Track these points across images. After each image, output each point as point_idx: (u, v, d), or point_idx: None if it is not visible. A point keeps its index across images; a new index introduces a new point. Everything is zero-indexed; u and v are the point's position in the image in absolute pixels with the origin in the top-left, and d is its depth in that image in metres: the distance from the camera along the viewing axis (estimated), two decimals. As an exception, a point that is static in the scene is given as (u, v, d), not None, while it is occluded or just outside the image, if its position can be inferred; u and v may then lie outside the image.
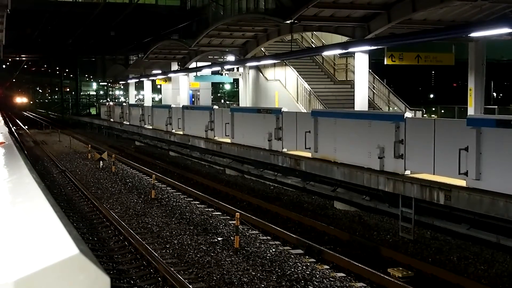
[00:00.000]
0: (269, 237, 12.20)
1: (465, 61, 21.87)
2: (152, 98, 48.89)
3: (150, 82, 43.04)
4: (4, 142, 7.03)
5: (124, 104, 44.60)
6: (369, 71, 20.30)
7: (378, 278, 9.20)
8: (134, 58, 52.09)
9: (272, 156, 17.50)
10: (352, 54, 22.63)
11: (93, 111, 66.71)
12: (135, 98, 53.47)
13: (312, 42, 29.47)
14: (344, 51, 19.85)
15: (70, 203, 16.55)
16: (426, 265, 9.91)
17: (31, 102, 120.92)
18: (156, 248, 11.29)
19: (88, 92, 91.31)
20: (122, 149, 31.45)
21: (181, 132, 26.24)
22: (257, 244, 11.55)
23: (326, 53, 26.93)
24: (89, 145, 29.34)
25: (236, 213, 11.56)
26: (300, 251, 11.11)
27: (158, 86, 47.00)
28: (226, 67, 30.52)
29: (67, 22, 41.76)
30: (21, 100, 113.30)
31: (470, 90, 21.50)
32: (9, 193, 2.83)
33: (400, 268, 9.73)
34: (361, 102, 18.97)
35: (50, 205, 2.08)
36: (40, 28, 43.01)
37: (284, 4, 21.29)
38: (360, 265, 9.68)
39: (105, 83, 68.41)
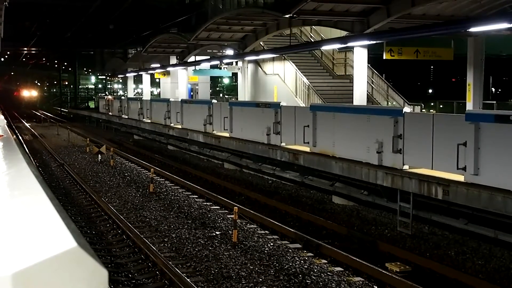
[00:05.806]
0: (267, 231, 12.22)
1: (464, 56, 21.83)
2: (151, 91, 48.79)
3: (148, 76, 42.99)
4: (3, 135, 7.02)
5: (122, 97, 44.45)
6: (368, 65, 20.27)
7: (376, 272, 9.22)
8: (133, 51, 51.97)
9: (271, 150, 17.50)
10: (351, 49, 22.59)
11: (91, 104, 66.60)
12: (134, 91, 53.37)
13: (311, 36, 29.42)
14: (343, 45, 19.81)
15: (68, 197, 16.56)
16: (424, 260, 9.93)
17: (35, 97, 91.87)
18: (154, 242, 11.30)
19: (86, 86, 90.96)
20: (120, 142, 31.43)
21: (179, 126, 26.21)
22: (255, 238, 11.56)
23: (325, 48, 26.89)
24: (88, 139, 29.32)
25: (234, 207, 11.57)
26: (298, 245, 11.13)
27: (157, 80, 46.88)
28: (225, 61, 30.46)
29: (65, 15, 41.71)
30: (29, 93, 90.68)
31: (469, 85, 21.49)
32: (7, 186, 2.82)
33: (398, 263, 9.75)
34: (359, 97, 18.96)
35: (48, 198, 2.08)
36: (39, 21, 42.93)
37: (283, -2, 21.24)
38: (358, 259, 9.70)
39: (104, 77, 68.28)
